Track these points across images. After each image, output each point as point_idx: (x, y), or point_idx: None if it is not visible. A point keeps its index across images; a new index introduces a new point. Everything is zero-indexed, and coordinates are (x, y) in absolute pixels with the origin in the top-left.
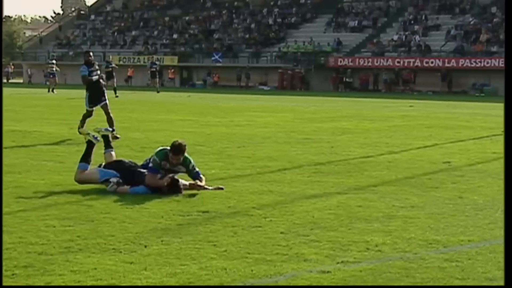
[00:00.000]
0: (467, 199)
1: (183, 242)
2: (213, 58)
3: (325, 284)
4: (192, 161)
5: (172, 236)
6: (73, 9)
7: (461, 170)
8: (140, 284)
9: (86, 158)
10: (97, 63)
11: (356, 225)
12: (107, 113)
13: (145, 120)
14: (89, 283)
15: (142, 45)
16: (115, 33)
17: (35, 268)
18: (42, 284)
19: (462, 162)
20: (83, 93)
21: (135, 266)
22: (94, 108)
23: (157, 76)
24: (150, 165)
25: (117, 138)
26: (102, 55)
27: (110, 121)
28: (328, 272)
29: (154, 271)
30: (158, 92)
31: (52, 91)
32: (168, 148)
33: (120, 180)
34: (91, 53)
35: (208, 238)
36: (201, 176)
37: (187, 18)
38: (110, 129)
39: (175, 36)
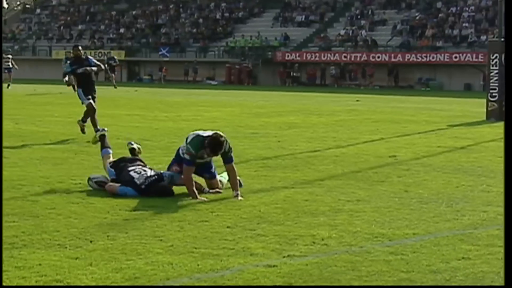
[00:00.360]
0: (412, 192)
1: (129, 237)
2: (160, 53)
3: (272, 278)
4: (227, 141)
5: (118, 231)
6: (18, 2)
7: (406, 164)
8: (85, 280)
9: (105, 146)
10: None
11: (303, 219)
12: None
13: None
14: (34, 279)
15: (88, 39)
16: (61, 27)
17: None
18: None
19: (407, 156)
20: (30, 87)
21: (80, 262)
22: (91, 101)
23: (115, 71)
24: (187, 157)
25: (83, 133)
26: (48, 50)
27: (86, 116)
28: (274, 266)
29: (99, 266)
30: (116, 87)
31: (7, 86)
32: (201, 134)
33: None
34: (80, 47)
35: (154, 233)
36: (233, 165)
37: (134, 12)
38: (106, 129)
39: (122, 30)
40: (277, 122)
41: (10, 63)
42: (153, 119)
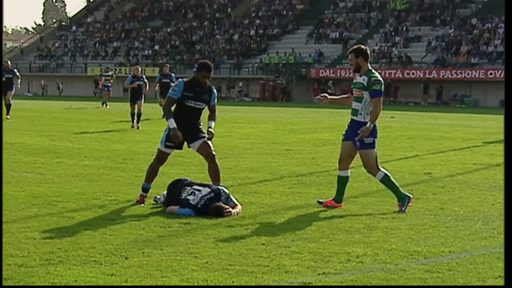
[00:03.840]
0: (447, 210)
1: (164, 253)
2: (194, 69)
3: None
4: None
5: (153, 247)
6: (54, 20)
7: (442, 181)
8: None
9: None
10: None
11: (337, 236)
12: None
13: (126, 131)
14: None
15: (123, 56)
16: (97, 44)
17: (15, 281)
18: None
19: (443, 173)
20: (65, 104)
21: (116, 278)
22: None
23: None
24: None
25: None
26: (83, 66)
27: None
28: (309, 283)
29: (135, 283)
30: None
31: (105, 104)
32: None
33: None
34: None
35: (189, 250)
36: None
37: (168, 29)
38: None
39: (156, 47)
40: (311, 138)
41: (110, 81)
42: None
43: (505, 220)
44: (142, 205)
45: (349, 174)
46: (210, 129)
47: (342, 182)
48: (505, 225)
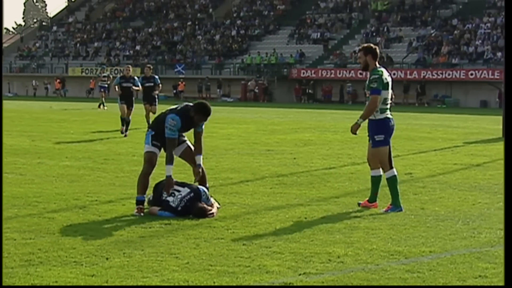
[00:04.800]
0: (428, 210)
1: (145, 254)
2: (176, 70)
3: None
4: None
5: (134, 248)
6: (35, 20)
7: (422, 181)
8: None
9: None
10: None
11: (319, 237)
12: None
13: (108, 132)
14: None
15: (104, 56)
16: (78, 45)
17: None
18: None
19: (423, 173)
20: (46, 104)
21: (97, 279)
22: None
23: (156, 96)
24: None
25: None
26: (64, 67)
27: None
28: (290, 283)
29: (115, 284)
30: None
31: (103, 106)
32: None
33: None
34: None
35: (170, 250)
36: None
37: (150, 29)
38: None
39: (137, 47)
40: (292, 139)
41: (107, 82)
42: None
43: (505, 220)
44: (142, 214)
45: (381, 173)
46: (198, 169)
47: (374, 182)
48: (505, 224)
